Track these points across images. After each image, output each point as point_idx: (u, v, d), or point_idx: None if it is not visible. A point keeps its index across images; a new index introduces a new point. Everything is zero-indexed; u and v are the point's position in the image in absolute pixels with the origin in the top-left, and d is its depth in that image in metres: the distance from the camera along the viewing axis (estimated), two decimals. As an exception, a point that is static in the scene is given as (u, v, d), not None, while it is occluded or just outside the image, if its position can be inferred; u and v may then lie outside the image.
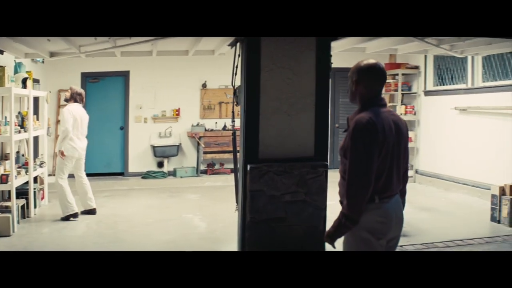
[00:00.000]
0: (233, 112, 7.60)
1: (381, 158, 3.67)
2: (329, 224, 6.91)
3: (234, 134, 7.52)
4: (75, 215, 9.43)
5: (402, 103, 13.28)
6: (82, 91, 9.89)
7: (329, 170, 6.89)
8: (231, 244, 7.50)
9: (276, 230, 6.82)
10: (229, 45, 7.75)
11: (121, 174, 13.83)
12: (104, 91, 13.68)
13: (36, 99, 11.02)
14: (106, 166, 13.77)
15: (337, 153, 13.93)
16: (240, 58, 7.04)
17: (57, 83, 13.12)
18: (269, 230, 6.81)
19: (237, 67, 7.17)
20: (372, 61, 3.87)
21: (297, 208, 6.86)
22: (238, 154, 7.53)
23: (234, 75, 7.25)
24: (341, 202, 3.86)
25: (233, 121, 7.57)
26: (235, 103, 7.43)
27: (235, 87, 7.33)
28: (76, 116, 9.53)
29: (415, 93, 13.26)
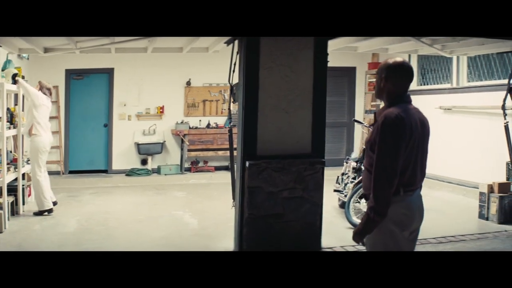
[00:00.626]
0: (229, 109, 7.67)
1: (407, 153, 3.76)
2: (325, 221, 7.06)
3: (230, 131, 7.56)
4: (50, 211, 9.43)
5: (386, 102, 13.36)
6: (50, 87, 9.87)
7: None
8: (226, 240, 7.54)
9: (273, 226, 6.91)
10: (225, 43, 7.79)
11: (105, 171, 13.76)
12: (88, 88, 13.60)
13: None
14: (90, 163, 13.69)
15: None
16: (238, 56, 7.09)
17: (41, 79, 12.95)
18: (266, 226, 6.89)
19: (235, 64, 7.22)
20: (399, 59, 3.98)
21: (294, 204, 6.96)
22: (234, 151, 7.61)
23: (232, 72, 7.28)
24: (365, 196, 3.93)
25: (229, 117, 7.63)
26: (232, 100, 7.48)
27: (232, 84, 7.37)
28: (45, 105, 9.54)
29: (398, 92, 13.36)
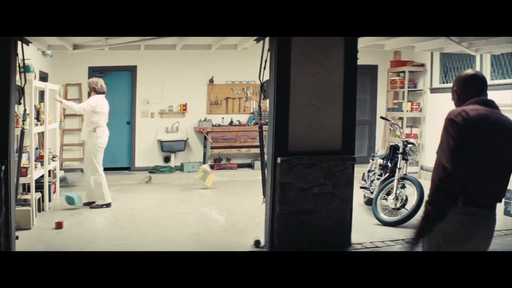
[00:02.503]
0: (259, 106, 7.68)
1: (473, 158, 3.49)
2: (355, 216, 7.12)
3: (261, 128, 7.59)
4: (109, 205, 9.87)
5: (408, 100, 13.39)
6: (97, 80, 10.20)
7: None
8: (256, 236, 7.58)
9: (304, 222, 6.98)
10: (255, 40, 7.82)
11: (127, 169, 13.83)
12: (111, 86, 13.46)
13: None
14: (112, 160, 13.71)
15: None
16: (269, 53, 7.12)
17: (64, 77, 13.08)
18: (297, 222, 6.96)
19: (265, 61, 7.24)
20: (470, 71, 3.85)
21: (325, 200, 7.02)
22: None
23: (262, 69, 7.30)
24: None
25: (260, 114, 7.66)
26: (263, 97, 7.51)
27: (263, 81, 7.40)
28: (103, 107, 9.98)
29: (421, 90, 13.40)
